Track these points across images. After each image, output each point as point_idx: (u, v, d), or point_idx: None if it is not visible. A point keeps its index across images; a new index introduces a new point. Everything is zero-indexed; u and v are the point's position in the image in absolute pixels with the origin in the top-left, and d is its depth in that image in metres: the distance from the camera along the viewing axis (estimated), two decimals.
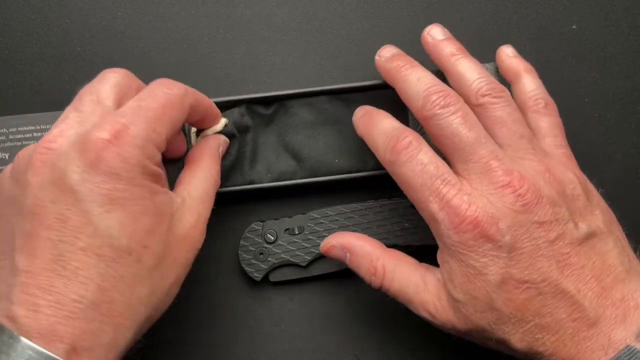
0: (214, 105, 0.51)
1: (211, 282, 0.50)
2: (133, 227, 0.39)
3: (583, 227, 0.42)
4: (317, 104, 0.54)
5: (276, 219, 0.54)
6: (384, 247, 0.48)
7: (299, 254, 0.53)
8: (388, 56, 0.50)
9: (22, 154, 0.41)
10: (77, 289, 0.36)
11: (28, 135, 0.51)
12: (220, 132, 0.52)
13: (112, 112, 0.41)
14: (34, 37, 0.58)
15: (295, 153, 0.54)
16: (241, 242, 0.54)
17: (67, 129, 0.40)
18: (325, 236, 0.52)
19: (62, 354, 0.35)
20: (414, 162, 0.43)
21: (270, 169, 0.54)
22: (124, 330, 0.39)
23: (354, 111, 0.53)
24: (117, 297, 0.38)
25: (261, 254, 0.53)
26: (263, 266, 0.53)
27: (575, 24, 0.58)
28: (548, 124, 0.48)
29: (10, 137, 0.52)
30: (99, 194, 0.37)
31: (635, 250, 0.45)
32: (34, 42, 0.58)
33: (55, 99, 0.57)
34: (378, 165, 0.51)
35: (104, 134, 0.38)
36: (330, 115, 0.54)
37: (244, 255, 0.53)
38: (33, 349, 0.35)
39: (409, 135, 0.44)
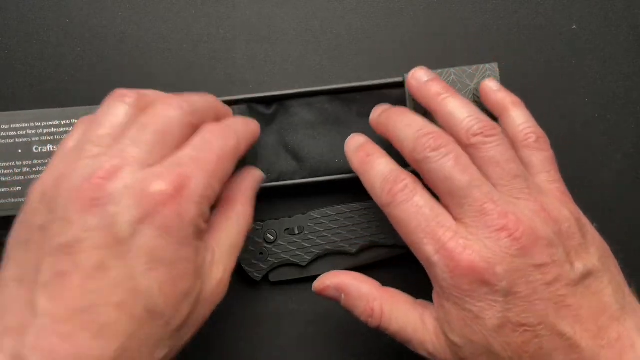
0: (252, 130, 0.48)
1: None
2: (171, 290, 0.36)
3: (579, 267, 0.41)
4: (317, 104, 0.54)
5: (276, 219, 0.54)
6: (380, 286, 0.47)
7: (299, 254, 0.53)
8: (377, 109, 0.50)
9: (61, 179, 0.37)
10: (100, 345, 0.34)
11: (22, 133, 0.51)
12: None
13: (172, 160, 0.38)
14: (34, 37, 0.58)
15: (295, 153, 0.54)
16: None
17: (123, 165, 0.37)
18: (326, 236, 0.53)
19: None
20: (409, 204, 0.42)
21: (270, 169, 0.54)
22: None
23: (354, 111, 0.53)
24: (136, 356, 0.35)
25: (261, 253, 0.53)
26: (263, 266, 0.53)
27: (575, 24, 0.58)
28: (541, 159, 0.46)
29: (2, 134, 0.52)
30: (147, 249, 0.35)
31: (629, 284, 0.44)
32: (34, 42, 0.58)
33: (55, 99, 0.57)
34: None
35: (165, 186, 0.36)
36: (330, 115, 0.54)
37: (244, 255, 0.54)
38: None
39: (406, 178, 0.43)
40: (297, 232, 0.53)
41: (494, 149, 0.43)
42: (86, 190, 0.35)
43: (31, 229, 0.36)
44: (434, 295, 0.44)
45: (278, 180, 0.54)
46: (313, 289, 0.48)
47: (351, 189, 0.55)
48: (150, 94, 0.42)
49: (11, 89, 0.57)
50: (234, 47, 0.58)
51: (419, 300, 0.46)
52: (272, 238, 0.53)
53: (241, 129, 0.45)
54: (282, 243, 0.53)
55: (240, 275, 0.55)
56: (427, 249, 0.41)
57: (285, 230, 0.54)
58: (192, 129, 0.41)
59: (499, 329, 0.40)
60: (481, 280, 0.39)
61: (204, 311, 0.40)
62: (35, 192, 0.37)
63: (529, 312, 0.39)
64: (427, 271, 0.43)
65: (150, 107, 0.41)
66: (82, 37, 0.58)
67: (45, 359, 0.33)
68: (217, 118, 0.46)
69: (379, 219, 0.53)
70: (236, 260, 0.44)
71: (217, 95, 0.52)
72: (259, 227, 0.54)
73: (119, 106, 0.40)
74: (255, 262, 0.53)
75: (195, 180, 0.37)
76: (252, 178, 0.49)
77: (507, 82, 0.53)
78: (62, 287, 0.34)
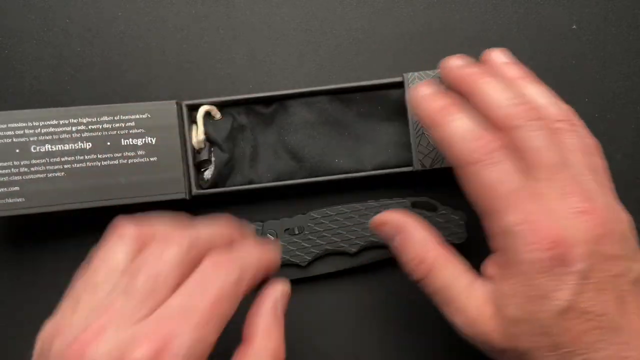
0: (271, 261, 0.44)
1: None
2: None
3: (638, 268, 0.40)
4: (317, 104, 0.54)
5: (276, 219, 0.54)
6: (440, 238, 0.45)
7: (299, 254, 0.53)
8: (461, 63, 0.47)
9: (56, 335, 0.36)
10: None
11: (19, 132, 0.51)
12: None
13: (159, 313, 0.36)
14: (34, 37, 0.58)
15: (295, 153, 0.54)
16: None
17: (108, 325, 0.35)
18: (326, 236, 0.53)
19: None
20: (498, 167, 0.41)
21: (270, 169, 0.54)
22: None
23: (353, 111, 0.53)
24: None
25: None
26: None
27: (575, 24, 0.58)
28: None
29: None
30: None
31: None
32: (34, 42, 0.58)
33: (55, 99, 0.57)
34: (376, 166, 0.52)
35: (145, 351, 0.33)
36: (330, 115, 0.54)
37: None
38: None
39: (496, 140, 0.42)
40: (297, 232, 0.53)
41: (575, 137, 0.43)
42: (70, 356, 0.34)
43: None
44: (495, 267, 0.42)
45: (278, 180, 0.54)
46: (371, 222, 0.47)
47: (351, 189, 0.56)
48: (152, 226, 0.41)
49: (11, 89, 0.57)
50: (234, 47, 0.58)
51: (473, 269, 0.44)
52: (272, 238, 0.53)
53: (250, 260, 0.41)
54: (282, 243, 0.53)
55: None
56: (510, 218, 0.40)
57: (285, 230, 0.54)
58: (193, 264, 0.39)
59: (564, 312, 0.38)
60: (561, 259, 0.38)
61: None
62: (39, 341, 0.37)
63: (596, 300, 0.38)
64: (497, 242, 0.41)
65: (148, 246, 0.39)
66: (82, 37, 0.58)
67: None
68: (231, 242, 0.43)
69: None
70: None
71: (217, 95, 0.53)
72: (259, 227, 0.54)
73: (116, 248, 0.39)
74: None
75: (180, 338, 0.34)
76: (269, 304, 0.44)
77: None
78: None
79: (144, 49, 0.58)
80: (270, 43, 0.58)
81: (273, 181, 0.54)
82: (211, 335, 0.36)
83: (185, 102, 0.53)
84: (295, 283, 0.54)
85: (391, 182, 0.55)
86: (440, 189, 0.55)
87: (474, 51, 0.54)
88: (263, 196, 0.56)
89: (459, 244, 0.53)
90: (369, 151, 0.53)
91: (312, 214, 0.54)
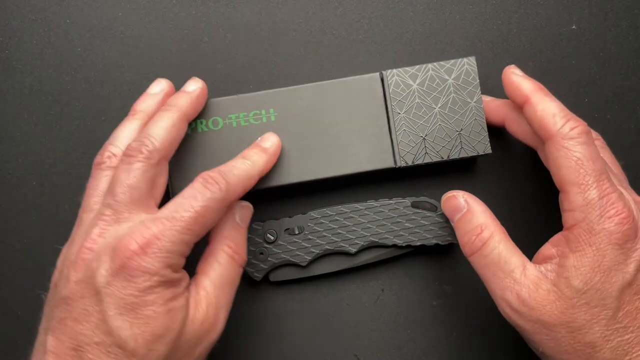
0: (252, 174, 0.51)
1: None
2: (141, 331, 0.41)
3: None
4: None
5: (276, 219, 0.54)
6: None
7: (299, 254, 0.53)
8: (522, 74, 0.51)
9: (70, 250, 0.45)
10: None
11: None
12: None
13: (151, 217, 0.44)
14: (34, 37, 0.58)
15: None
16: None
17: (105, 229, 0.44)
18: (326, 236, 0.53)
19: None
20: (592, 147, 0.45)
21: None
22: None
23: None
24: None
25: (261, 253, 0.53)
26: (263, 266, 0.53)
27: (575, 24, 0.58)
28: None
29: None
30: (117, 297, 0.41)
31: None
32: (34, 42, 0.58)
33: (55, 99, 0.57)
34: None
35: (132, 244, 0.42)
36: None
37: None
38: None
39: (587, 125, 0.46)
40: (297, 232, 0.53)
41: (606, 151, 0.52)
42: (81, 253, 0.43)
43: (52, 288, 0.46)
44: (559, 246, 0.45)
45: (277, 181, 0.53)
46: (443, 197, 0.52)
47: (351, 188, 0.56)
48: (122, 149, 0.49)
49: (11, 89, 0.57)
50: (234, 47, 0.58)
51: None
52: (272, 238, 0.53)
53: (237, 176, 0.48)
54: (282, 243, 0.53)
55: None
56: (594, 192, 0.43)
57: (286, 230, 0.54)
58: (159, 165, 0.47)
59: (627, 285, 0.43)
60: (631, 234, 0.43)
61: (193, 348, 0.45)
62: (58, 261, 0.46)
63: None
64: (574, 214, 0.44)
65: (119, 165, 0.47)
66: (82, 37, 0.58)
67: None
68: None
69: (379, 219, 0.53)
70: (230, 299, 0.48)
71: (217, 95, 0.53)
72: (259, 227, 0.54)
73: (98, 176, 0.48)
74: (255, 262, 0.53)
75: (163, 238, 0.42)
76: (230, 215, 0.51)
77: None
78: (61, 330, 0.42)
79: (144, 49, 0.58)
80: (270, 43, 0.58)
81: (272, 181, 0.53)
82: (192, 238, 0.44)
83: None
84: (295, 283, 0.54)
85: (387, 179, 0.56)
86: (440, 189, 0.55)
87: (475, 51, 0.54)
88: (263, 196, 0.56)
89: (457, 243, 0.53)
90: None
91: (312, 214, 0.54)
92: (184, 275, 0.45)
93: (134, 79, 0.57)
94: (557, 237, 0.46)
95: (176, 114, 0.49)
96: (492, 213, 0.49)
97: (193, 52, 0.58)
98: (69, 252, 0.45)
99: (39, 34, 0.58)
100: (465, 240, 0.48)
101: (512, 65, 0.51)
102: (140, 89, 0.56)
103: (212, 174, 0.46)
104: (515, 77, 0.49)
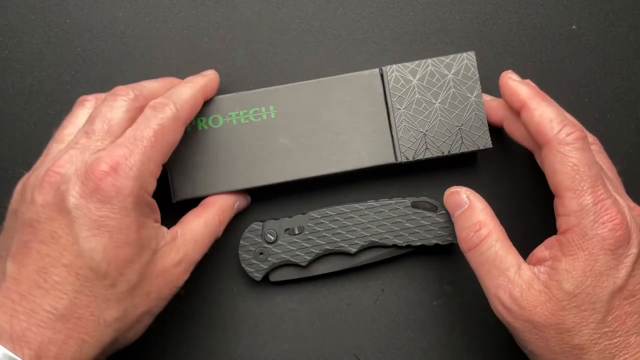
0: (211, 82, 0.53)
1: (211, 282, 0.50)
2: (114, 254, 0.42)
3: None
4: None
5: (276, 219, 0.54)
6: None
7: (299, 254, 0.53)
8: (519, 79, 0.51)
9: (34, 174, 0.45)
10: (51, 301, 0.41)
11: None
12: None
13: (115, 142, 0.44)
14: (34, 37, 0.58)
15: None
16: (241, 242, 0.54)
17: (75, 155, 0.44)
18: (326, 236, 0.53)
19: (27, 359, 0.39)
20: (588, 153, 0.45)
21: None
22: (87, 347, 0.42)
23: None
24: (86, 315, 0.42)
25: (261, 254, 0.53)
26: (263, 266, 0.53)
27: (575, 24, 0.58)
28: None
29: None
30: (90, 218, 0.41)
31: None
32: (34, 42, 0.58)
33: (55, 99, 0.57)
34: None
35: (103, 166, 0.42)
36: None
37: (244, 255, 0.54)
38: (2, 352, 0.39)
39: (584, 130, 0.47)
40: (297, 232, 0.53)
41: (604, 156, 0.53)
42: (47, 176, 0.43)
43: (10, 215, 0.45)
44: (552, 249, 0.46)
45: (279, 178, 0.53)
46: (445, 193, 0.52)
47: (351, 188, 0.56)
48: (106, 94, 0.49)
49: (11, 89, 0.57)
50: (234, 47, 0.58)
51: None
52: (272, 238, 0.53)
53: (183, 97, 0.49)
54: (282, 243, 0.53)
55: (240, 275, 0.55)
56: (588, 199, 0.44)
57: (285, 230, 0.54)
58: (140, 111, 0.47)
59: (617, 291, 0.43)
60: (624, 240, 0.43)
61: (159, 287, 0.46)
62: (18, 186, 0.46)
63: None
64: (568, 219, 0.45)
65: (102, 102, 0.48)
66: (82, 37, 0.58)
67: (7, 315, 0.40)
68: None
69: (379, 219, 0.53)
70: (199, 256, 0.49)
71: (217, 94, 0.53)
72: (258, 227, 0.54)
73: (79, 112, 0.50)
74: (255, 262, 0.53)
75: (131, 158, 0.43)
76: (234, 196, 0.54)
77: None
78: (24, 254, 0.41)
79: (144, 49, 0.58)
80: (270, 43, 0.58)
81: (272, 180, 0.53)
82: (157, 156, 0.45)
83: None
84: (295, 283, 0.55)
85: (385, 176, 0.56)
86: (440, 189, 0.55)
87: (475, 51, 0.54)
88: (263, 196, 0.56)
89: (457, 244, 0.53)
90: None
91: (312, 214, 0.54)
92: (155, 205, 0.47)
93: (134, 79, 0.57)
94: (550, 240, 0.47)
95: (192, 86, 0.51)
96: (492, 211, 0.49)
97: (193, 52, 0.58)
98: (32, 177, 0.45)
99: (39, 34, 0.58)
100: (463, 236, 0.49)
101: (509, 71, 0.51)
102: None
103: (159, 99, 0.48)
104: (512, 83, 0.50)
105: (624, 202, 0.46)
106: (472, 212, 0.49)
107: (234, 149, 0.53)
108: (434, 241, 0.53)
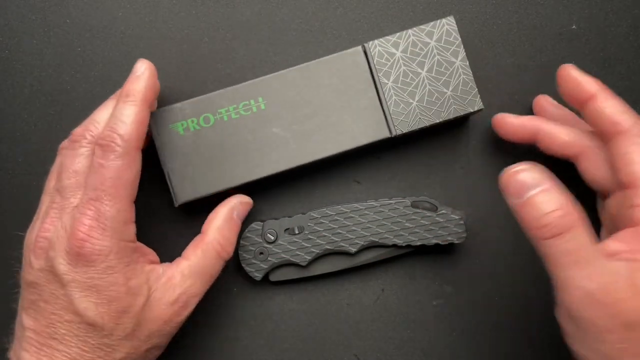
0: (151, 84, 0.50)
1: (211, 285, 0.50)
2: (106, 310, 0.45)
3: None
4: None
5: (276, 219, 0.54)
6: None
7: (299, 253, 0.53)
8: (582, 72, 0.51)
9: (30, 236, 0.48)
10: (64, 348, 0.45)
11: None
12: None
13: (79, 206, 0.46)
14: (34, 37, 0.58)
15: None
16: (241, 241, 0.54)
17: (56, 217, 0.47)
18: (326, 236, 0.53)
19: None
20: None
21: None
22: None
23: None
24: (95, 357, 0.46)
25: (261, 253, 0.53)
26: (263, 266, 0.53)
27: (575, 24, 0.58)
28: None
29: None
30: (79, 281, 0.44)
31: None
32: (34, 42, 0.58)
33: (55, 99, 0.57)
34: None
35: (79, 234, 0.44)
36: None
37: (244, 254, 0.54)
38: None
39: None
40: (297, 231, 0.53)
41: None
42: (36, 242, 0.46)
43: (22, 270, 0.48)
44: (628, 242, 0.43)
45: (275, 168, 0.53)
46: (506, 171, 0.44)
47: (350, 186, 0.56)
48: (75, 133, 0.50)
49: (11, 89, 0.57)
50: (234, 47, 0.58)
51: None
52: (272, 238, 0.53)
53: (125, 120, 0.46)
54: (282, 243, 0.53)
55: (240, 275, 0.55)
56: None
57: (285, 230, 0.54)
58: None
59: None
60: None
61: (158, 327, 0.48)
62: (24, 243, 0.49)
63: None
64: (615, 227, 0.46)
65: (63, 152, 0.50)
66: (82, 37, 0.58)
67: (35, 357, 0.45)
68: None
69: (379, 219, 0.53)
70: (204, 289, 0.50)
71: (206, 92, 0.53)
72: (259, 227, 0.54)
73: (51, 175, 0.51)
74: (255, 261, 0.53)
75: (102, 216, 0.45)
76: (227, 207, 0.53)
77: (507, 79, 0.54)
78: (35, 310, 0.46)
79: (143, 49, 0.58)
80: (270, 43, 0.58)
81: (270, 172, 0.53)
82: (123, 201, 0.46)
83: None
84: (295, 283, 0.55)
85: (383, 171, 0.56)
86: (439, 188, 0.55)
87: (475, 51, 0.54)
88: (263, 196, 0.56)
89: (458, 243, 0.53)
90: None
91: (312, 214, 0.54)
92: (141, 247, 0.49)
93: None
94: (625, 233, 0.44)
95: (133, 101, 0.48)
96: (571, 194, 0.43)
97: (193, 52, 0.58)
98: (29, 238, 0.48)
99: (39, 34, 0.58)
100: (544, 221, 0.42)
101: (570, 64, 0.51)
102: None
103: (103, 134, 0.46)
104: (577, 74, 0.50)
105: None
106: (552, 193, 0.42)
107: (229, 145, 0.53)
108: (434, 241, 0.53)
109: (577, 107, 0.50)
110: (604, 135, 0.47)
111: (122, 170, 0.45)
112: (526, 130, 0.52)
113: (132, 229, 0.47)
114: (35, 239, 0.47)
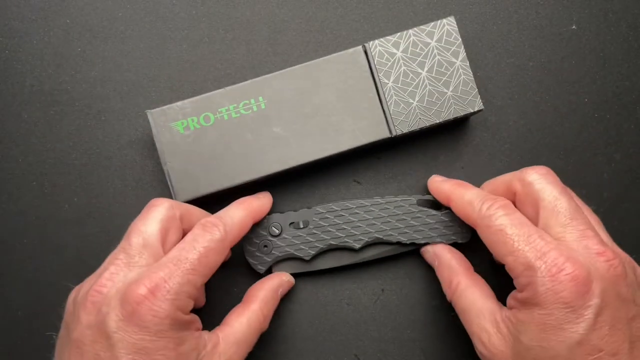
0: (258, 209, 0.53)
1: (215, 274, 0.50)
2: None
3: None
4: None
5: (281, 212, 0.54)
6: (470, 267, 0.52)
7: (303, 247, 0.53)
8: (442, 179, 0.55)
9: (81, 289, 0.46)
10: None
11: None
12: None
13: (158, 263, 0.45)
14: (34, 37, 0.58)
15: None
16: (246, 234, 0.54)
17: (116, 273, 0.45)
18: (330, 231, 0.53)
19: None
20: (513, 216, 0.46)
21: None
22: None
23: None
24: None
25: (265, 246, 0.53)
26: (267, 259, 0.53)
27: (575, 24, 0.58)
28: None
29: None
30: (129, 342, 0.42)
31: None
32: (34, 42, 0.58)
33: (55, 99, 0.57)
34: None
35: (142, 289, 0.43)
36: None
37: (248, 247, 0.54)
38: None
39: (505, 199, 0.48)
40: (302, 226, 0.53)
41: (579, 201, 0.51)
42: (90, 296, 0.44)
43: (63, 326, 0.47)
44: (514, 299, 0.45)
45: (276, 167, 0.53)
46: (421, 250, 0.55)
47: (356, 185, 0.56)
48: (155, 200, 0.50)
49: (11, 89, 0.57)
50: (234, 47, 0.58)
51: (494, 296, 0.49)
52: (276, 231, 0.53)
53: (233, 221, 0.49)
54: (286, 236, 0.53)
55: (244, 268, 0.55)
56: (529, 255, 0.43)
57: (290, 224, 0.54)
58: (176, 222, 0.49)
59: (577, 346, 0.41)
60: (579, 291, 0.41)
61: None
62: (70, 297, 0.47)
63: (609, 339, 0.41)
64: (519, 277, 0.44)
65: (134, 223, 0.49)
66: (82, 37, 0.58)
67: None
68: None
69: (384, 216, 0.53)
70: (244, 356, 0.50)
71: (206, 92, 0.53)
72: (264, 220, 0.54)
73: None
74: (259, 254, 0.53)
75: (170, 281, 0.43)
76: (276, 282, 0.54)
77: (506, 79, 0.54)
78: None
79: (144, 49, 0.58)
80: (269, 43, 0.58)
81: (272, 171, 0.53)
82: (198, 279, 0.45)
83: None
84: (298, 277, 0.55)
85: (392, 175, 0.56)
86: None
87: (474, 51, 0.54)
88: (268, 189, 0.56)
89: (463, 243, 0.53)
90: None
91: (318, 209, 0.54)
92: (194, 318, 0.47)
93: (134, 79, 0.57)
94: (514, 292, 0.46)
95: (245, 209, 0.51)
96: (461, 261, 0.53)
97: (193, 52, 0.58)
98: (79, 293, 0.46)
99: (39, 34, 0.58)
100: (444, 289, 0.53)
101: (434, 175, 0.56)
102: (140, 89, 0.56)
103: (210, 219, 0.48)
104: (435, 184, 0.54)
105: (581, 241, 0.44)
106: (442, 269, 0.53)
107: (230, 144, 0.53)
108: (438, 240, 0.53)
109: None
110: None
111: (211, 251, 0.46)
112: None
113: (192, 303, 0.46)
114: (88, 292, 0.45)
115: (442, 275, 0.53)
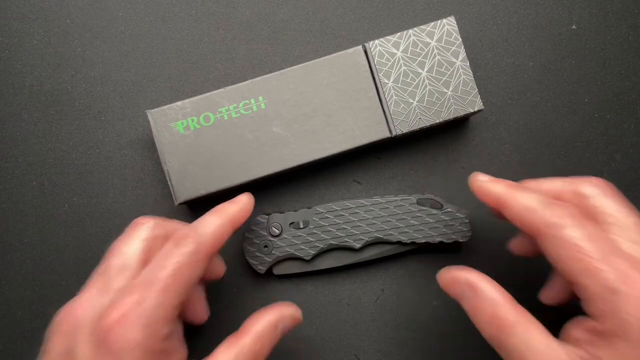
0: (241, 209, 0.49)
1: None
2: None
3: None
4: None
5: (281, 213, 0.54)
6: (513, 298, 0.42)
7: (303, 247, 0.53)
8: (489, 178, 0.47)
9: (59, 314, 0.43)
10: None
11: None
12: None
13: (129, 285, 0.42)
14: (34, 37, 0.58)
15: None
16: (246, 234, 0.54)
17: (91, 297, 0.43)
18: (331, 231, 0.53)
19: None
20: (586, 228, 0.40)
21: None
22: None
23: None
24: None
25: (265, 246, 0.53)
26: (267, 259, 0.53)
27: (575, 24, 0.58)
28: None
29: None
30: None
31: None
32: (34, 42, 0.58)
33: (55, 99, 0.57)
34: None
35: (114, 314, 0.40)
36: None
37: (249, 247, 0.54)
38: None
39: (574, 206, 0.42)
40: (302, 226, 0.53)
41: None
42: (64, 319, 0.42)
43: (40, 352, 0.43)
44: (584, 329, 0.40)
45: (276, 167, 0.53)
46: (438, 278, 0.45)
47: (356, 184, 0.56)
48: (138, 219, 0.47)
49: (11, 89, 0.57)
50: (234, 47, 0.58)
51: (546, 330, 0.41)
52: (277, 231, 0.53)
53: (206, 228, 0.45)
54: (286, 236, 0.53)
55: (244, 268, 0.55)
56: (610, 276, 0.38)
57: (290, 224, 0.54)
58: (159, 239, 0.46)
59: None
60: None
61: None
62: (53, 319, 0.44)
63: None
64: (597, 301, 0.38)
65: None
66: (82, 37, 0.58)
67: None
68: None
69: (384, 215, 0.53)
70: None
71: (206, 92, 0.53)
72: (264, 220, 0.54)
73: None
74: (259, 254, 0.53)
75: (141, 305, 0.40)
76: (275, 315, 0.47)
77: (506, 79, 0.54)
78: None
79: (144, 49, 0.58)
80: (270, 43, 0.58)
81: (272, 171, 0.53)
82: (174, 299, 0.42)
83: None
84: (299, 276, 0.55)
85: (393, 175, 0.56)
86: (440, 189, 0.55)
87: (473, 51, 0.54)
88: (268, 189, 0.56)
89: (463, 242, 0.53)
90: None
91: (317, 209, 0.54)
92: (176, 348, 0.44)
93: (134, 79, 0.57)
94: (586, 323, 0.40)
95: (221, 216, 0.47)
96: (504, 292, 0.42)
97: (193, 52, 0.58)
98: (58, 314, 0.43)
99: (39, 34, 0.58)
100: (480, 327, 0.42)
101: (476, 173, 0.48)
102: (140, 89, 0.56)
103: (181, 231, 0.44)
104: (482, 185, 0.46)
105: None
106: (483, 303, 0.42)
107: (229, 144, 0.53)
108: (438, 239, 0.53)
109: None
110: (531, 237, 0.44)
111: (183, 266, 0.42)
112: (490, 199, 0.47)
113: (169, 327, 0.42)
114: (61, 317, 0.42)
115: (480, 307, 0.41)
